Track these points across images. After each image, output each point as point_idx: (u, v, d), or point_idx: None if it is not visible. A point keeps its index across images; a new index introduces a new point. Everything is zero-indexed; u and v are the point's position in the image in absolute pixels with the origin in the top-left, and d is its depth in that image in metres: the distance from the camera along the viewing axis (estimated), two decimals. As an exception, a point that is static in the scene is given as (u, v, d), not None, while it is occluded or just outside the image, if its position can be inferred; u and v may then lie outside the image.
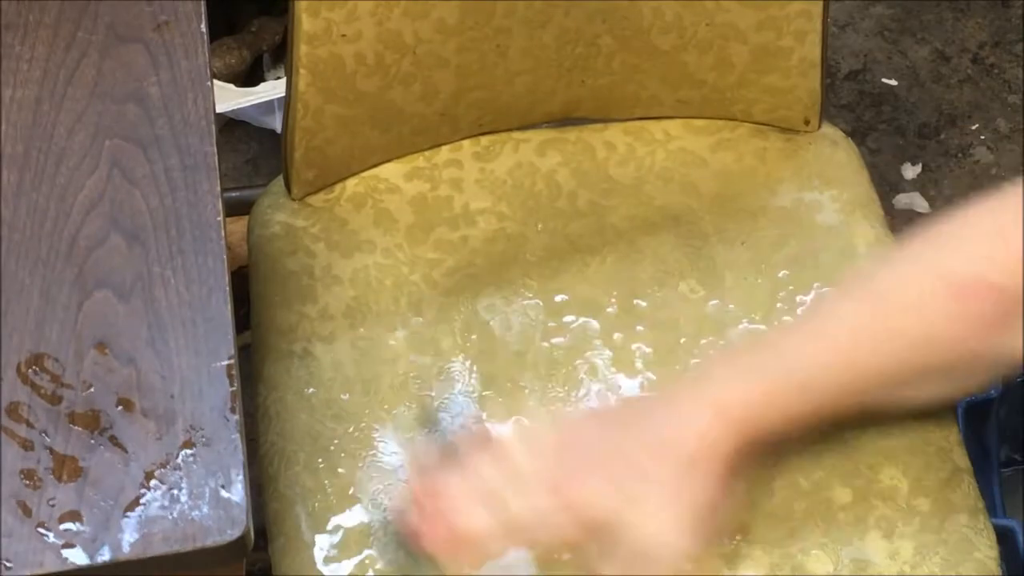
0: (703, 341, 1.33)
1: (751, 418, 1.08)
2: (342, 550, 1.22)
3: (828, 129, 1.47)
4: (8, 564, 0.96)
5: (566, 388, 1.31)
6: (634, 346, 1.33)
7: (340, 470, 1.26)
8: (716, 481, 1.08)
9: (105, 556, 0.97)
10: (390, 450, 1.27)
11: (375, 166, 1.43)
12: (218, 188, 1.13)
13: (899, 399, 1.15)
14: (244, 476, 1.00)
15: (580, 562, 1.09)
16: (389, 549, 1.20)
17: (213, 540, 0.98)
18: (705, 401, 1.08)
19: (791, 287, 1.36)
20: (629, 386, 1.31)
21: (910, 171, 2.11)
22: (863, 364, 1.10)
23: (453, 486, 1.08)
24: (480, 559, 1.09)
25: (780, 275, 1.37)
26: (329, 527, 1.23)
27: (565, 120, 1.47)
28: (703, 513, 1.08)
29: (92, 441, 1.01)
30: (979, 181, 2.10)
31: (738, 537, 1.21)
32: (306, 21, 1.29)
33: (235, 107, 1.91)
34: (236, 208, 1.57)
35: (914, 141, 2.15)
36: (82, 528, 0.98)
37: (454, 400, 1.29)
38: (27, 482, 0.99)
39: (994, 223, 1.09)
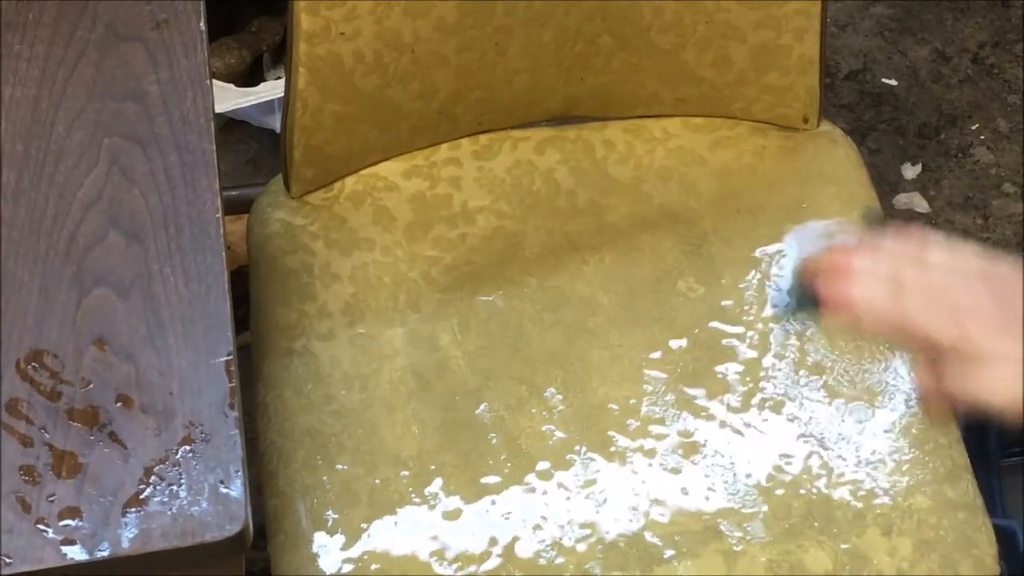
0: (702, 339, 1.33)
1: None
2: (341, 546, 1.22)
3: (827, 127, 1.47)
4: (8, 560, 0.96)
5: (564, 386, 1.31)
6: (632, 344, 1.33)
7: (339, 467, 1.26)
8: None
9: (104, 552, 0.97)
10: (389, 446, 1.27)
11: (374, 164, 1.43)
12: (217, 186, 1.13)
13: None
14: (243, 472, 1.00)
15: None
16: (785, 291, 1.19)
17: (212, 536, 0.98)
18: None
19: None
20: (628, 384, 1.31)
21: (910, 171, 2.11)
22: None
23: (865, 256, 1.09)
24: (859, 328, 1.10)
25: (779, 273, 1.37)
26: (328, 523, 1.23)
27: (564, 118, 1.47)
28: None
29: (91, 437, 1.01)
30: (979, 181, 2.10)
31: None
32: (305, 20, 1.29)
33: (235, 107, 1.91)
34: (236, 207, 1.57)
35: (914, 141, 2.15)
36: (81, 524, 0.98)
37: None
38: (26, 478, 0.99)
39: None
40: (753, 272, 1.37)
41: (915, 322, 1.11)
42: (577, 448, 1.27)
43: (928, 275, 1.11)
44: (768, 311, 1.35)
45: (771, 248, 1.39)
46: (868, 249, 1.13)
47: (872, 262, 1.12)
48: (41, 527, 0.98)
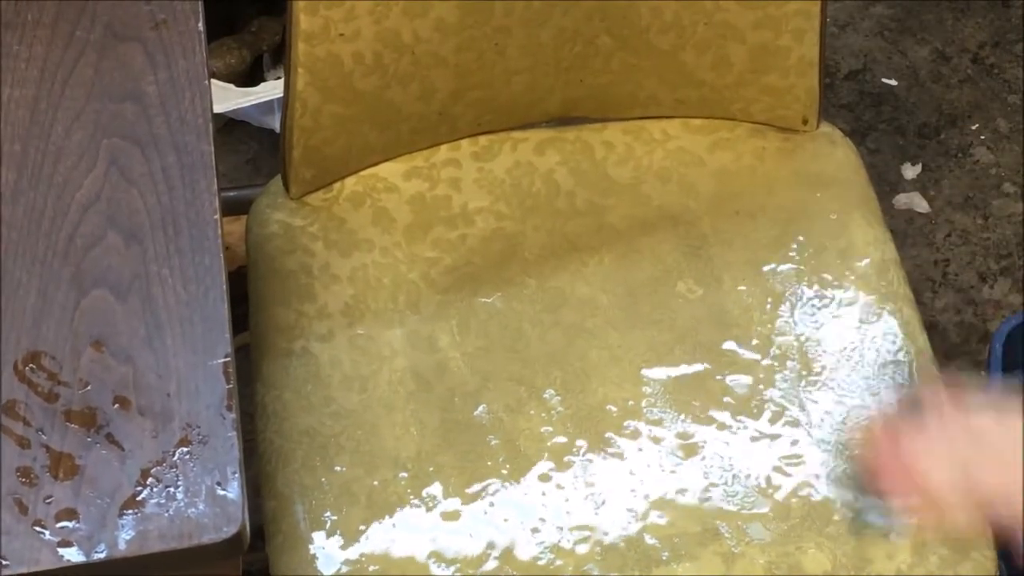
0: (701, 340, 1.33)
1: None
2: (340, 547, 1.22)
3: (826, 128, 1.47)
4: (5, 562, 0.96)
5: (563, 387, 1.31)
6: (631, 345, 1.33)
7: (337, 468, 1.26)
8: None
9: (101, 554, 0.97)
10: (388, 447, 1.27)
11: (373, 165, 1.43)
12: (215, 187, 1.13)
13: None
14: (240, 473, 1.00)
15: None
16: (840, 483, 1.19)
17: (209, 537, 0.98)
18: None
19: (789, 287, 1.36)
20: (627, 386, 1.31)
21: (910, 171, 2.11)
22: None
23: (919, 434, 1.08)
24: (927, 510, 1.09)
25: (778, 275, 1.37)
26: (327, 525, 1.23)
27: (563, 120, 1.47)
28: None
29: (89, 439, 1.01)
30: (979, 181, 2.10)
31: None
32: (304, 20, 1.29)
33: (235, 107, 1.91)
34: (235, 208, 1.57)
35: (914, 141, 2.15)
36: (78, 526, 0.98)
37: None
38: (23, 480, 0.99)
39: None
40: (752, 273, 1.37)
41: (994, 499, 1.09)
42: (576, 449, 1.27)
43: (990, 448, 1.09)
44: (763, 314, 1.35)
45: (770, 249, 1.39)
46: (921, 441, 1.10)
47: (932, 455, 1.09)
48: (38, 529, 0.98)
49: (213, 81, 1.20)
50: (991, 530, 1.13)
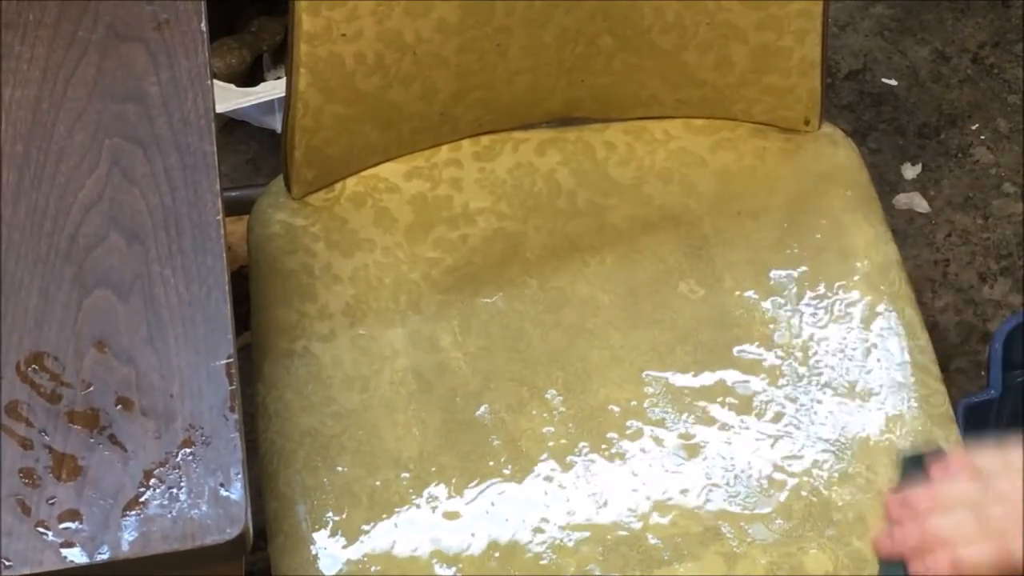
0: (702, 341, 1.33)
1: None
2: (342, 547, 1.22)
3: (828, 129, 1.47)
4: (8, 563, 0.96)
5: (564, 387, 1.31)
6: (633, 346, 1.33)
7: (339, 468, 1.26)
8: None
9: (104, 555, 0.97)
10: (389, 447, 1.27)
11: (375, 165, 1.43)
12: (218, 187, 1.13)
13: None
14: (243, 474, 1.00)
15: None
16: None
17: (212, 539, 0.98)
18: None
19: (791, 287, 1.36)
20: (628, 386, 1.31)
21: (910, 171, 2.11)
22: None
23: (925, 493, 1.08)
24: (956, 564, 1.09)
25: (780, 275, 1.37)
26: (329, 525, 1.23)
27: (565, 120, 1.47)
28: None
29: (91, 440, 1.01)
30: (979, 181, 2.10)
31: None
32: (306, 20, 1.29)
33: (235, 107, 1.91)
34: (236, 208, 1.57)
35: (914, 141, 2.15)
36: (81, 527, 0.98)
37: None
38: (26, 481, 0.99)
39: None
40: (754, 274, 1.37)
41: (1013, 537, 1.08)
42: (578, 450, 1.27)
43: (1013, 508, 1.09)
44: (765, 314, 1.34)
45: (772, 249, 1.39)
46: (936, 506, 1.10)
47: (949, 519, 1.09)
48: (41, 530, 0.98)
49: (213, 81, 1.20)
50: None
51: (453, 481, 1.26)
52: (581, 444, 1.28)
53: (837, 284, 1.36)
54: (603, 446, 1.28)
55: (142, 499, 0.99)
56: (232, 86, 1.92)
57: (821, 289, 1.36)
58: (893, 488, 1.18)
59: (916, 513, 1.10)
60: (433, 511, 1.24)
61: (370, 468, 1.26)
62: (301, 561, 1.22)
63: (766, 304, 1.35)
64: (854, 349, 1.33)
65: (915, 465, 1.19)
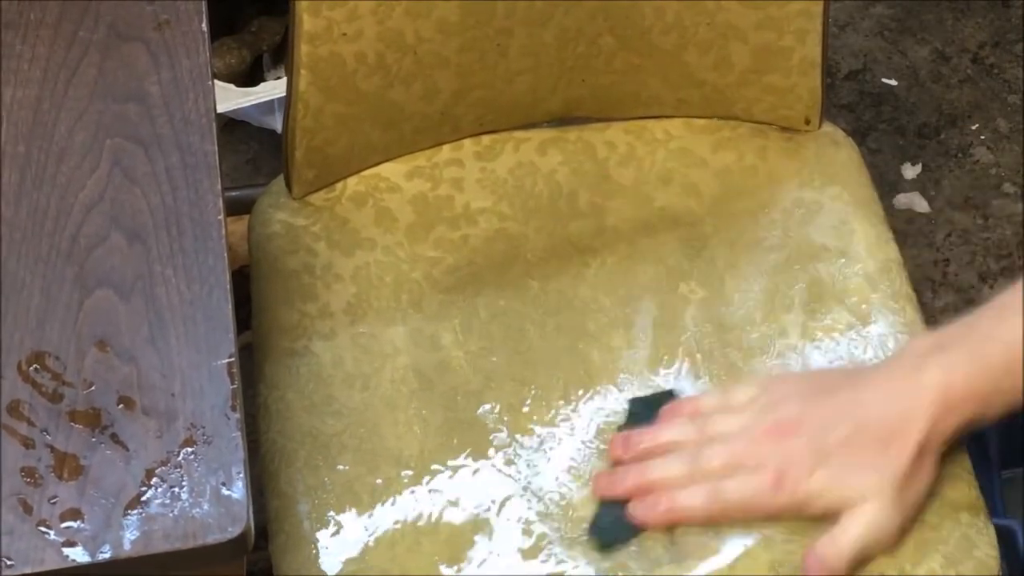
0: (703, 342, 1.33)
1: (973, 411, 1.08)
2: (343, 547, 1.22)
3: (829, 128, 1.47)
4: (9, 562, 0.96)
5: (565, 388, 1.31)
6: (634, 347, 1.33)
7: (340, 467, 1.26)
8: (934, 469, 1.09)
9: (106, 554, 0.97)
10: (391, 446, 1.27)
11: (376, 165, 1.43)
12: (219, 187, 1.13)
13: None
14: (245, 473, 1.00)
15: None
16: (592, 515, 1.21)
17: (214, 538, 0.98)
18: (928, 398, 1.07)
19: (792, 287, 1.36)
20: (629, 386, 1.31)
21: (910, 171, 2.11)
22: None
23: (647, 437, 1.10)
24: (671, 510, 1.10)
25: (780, 275, 1.37)
26: (330, 524, 1.23)
27: (566, 119, 1.47)
28: (920, 499, 1.09)
29: (93, 439, 1.01)
30: (979, 181, 2.10)
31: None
32: (307, 20, 1.29)
33: (235, 107, 1.91)
34: (237, 208, 1.57)
35: (914, 141, 2.15)
36: (83, 526, 0.98)
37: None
38: (28, 480, 0.99)
39: None
40: (755, 274, 1.37)
41: (737, 503, 1.11)
42: (579, 450, 1.27)
43: (722, 451, 1.11)
44: (766, 315, 1.34)
45: (773, 249, 1.39)
46: (656, 448, 1.12)
47: (666, 464, 1.11)
48: (43, 529, 0.98)
49: (214, 81, 1.20)
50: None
51: (455, 479, 1.26)
52: (582, 445, 1.28)
53: (838, 284, 1.36)
54: (605, 447, 1.28)
55: (144, 498, 0.99)
56: (232, 86, 1.93)
57: (822, 289, 1.36)
58: (620, 428, 1.20)
59: (637, 454, 1.13)
60: (435, 509, 1.24)
61: (371, 466, 1.26)
62: (303, 560, 1.22)
63: (767, 305, 1.35)
64: (855, 349, 1.33)
65: (645, 407, 1.22)
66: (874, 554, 1.14)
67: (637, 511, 1.17)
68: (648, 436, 1.18)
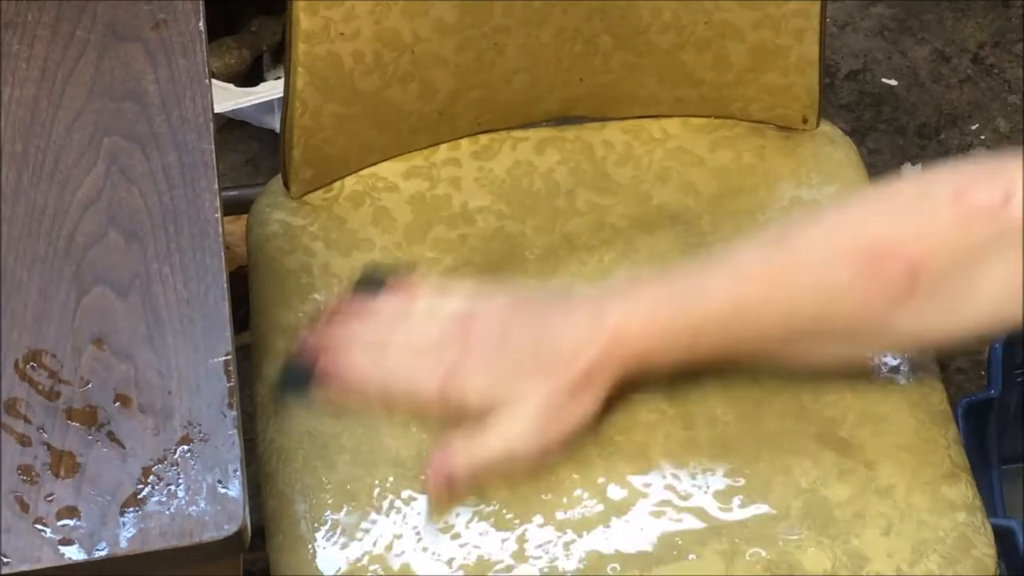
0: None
1: (645, 352, 1.13)
2: (341, 547, 1.22)
3: (826, 127, 1.47)
4: (6, 560, 0.96)
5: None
6: (632, 344, 1.33)
7: (338, 467, 1.26)
8: (594, 403, 1.14)
9: (103, 551, 0.97)
10: (388, 446, 1.27)
11: (373, 165, 1.43)
12: (216, 185, 1.13)
13: (803, 353, 1.17)
14: (241, 471, 1.00)
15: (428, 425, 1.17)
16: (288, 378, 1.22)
17: (210, 535, 0.98)
18: (604, 329, 1.12)
19: (789, 285, 1.36)
20: (627, 384, 1.31)
21: (910, 171, 2.11)
22: (760, 312, 1.12)
23: (355, 323, 1.12)
24: (354, 401, 1.13)
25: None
26: (327, 524, 1.23)
27: (563, 119, 1.47)
28: (571, 428, 1.15)
29: (90, 437, 1.01)
30: (979, 181, 2.10)
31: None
32: (304, 20, 1.29)
33: (235, 107, 1.91)
34: (235, 207, 1.57)
35: (914, 141, 2.15)
36: (79, 524, 0.98)
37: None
38: (24, 478, 1.00)
39: (920, 196, 1.09)
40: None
41: (401, 385, 1.14)
42: (576, 448, 1.27)
43: (411, 333, 1.14)
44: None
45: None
46: (359, 314, 1.15)
47: (361, 328, 1.14)
48: (39, 527, 0.98)
49: (213, 81, 1.20)
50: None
51: (452, 479, 1.26)
52: (581, 444, 1.28)
53: (835, 283, 1.36)
54: (603, 445, 1.28)
55: (140, 496, 0.99)
56: (231, 86, 1.93)
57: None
58: (342, 296, 1.23)
59: (345, 317, 1.16)
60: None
61: (369, 467, 1.26)
62: (300, 560, 1.22)
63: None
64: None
65: (374, 282, 1.23)
66: (506, 470, 1.16)
67: (323, 363, 1.19)
68: (360, 303, 1.20)
